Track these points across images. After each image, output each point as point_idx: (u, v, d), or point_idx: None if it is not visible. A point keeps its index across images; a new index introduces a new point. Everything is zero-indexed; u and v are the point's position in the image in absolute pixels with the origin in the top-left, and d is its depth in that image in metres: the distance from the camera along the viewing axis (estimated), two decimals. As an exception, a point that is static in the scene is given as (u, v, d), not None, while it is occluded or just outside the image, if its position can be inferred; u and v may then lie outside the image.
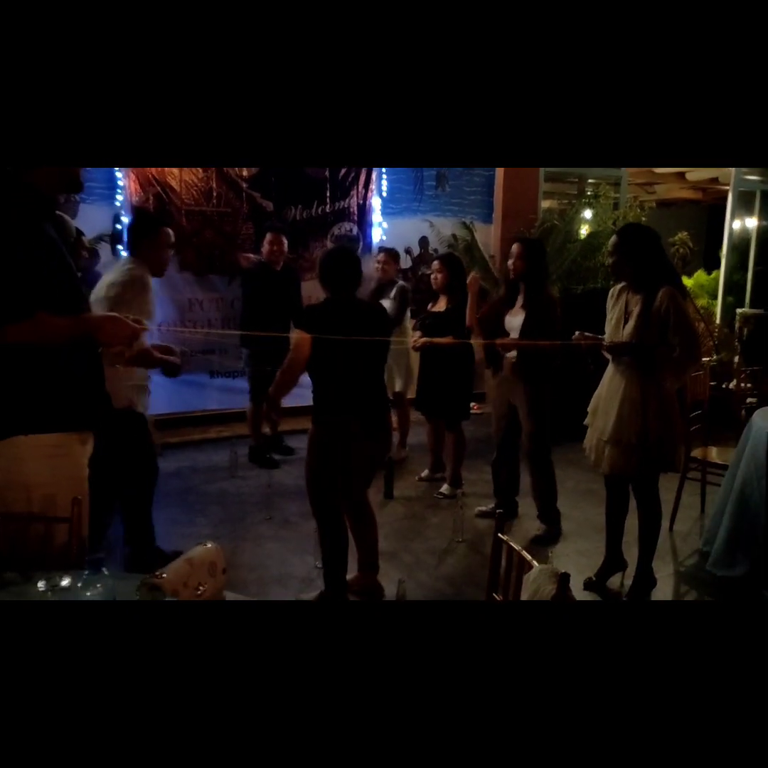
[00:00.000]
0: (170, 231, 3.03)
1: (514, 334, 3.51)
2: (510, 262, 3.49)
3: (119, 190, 4.99)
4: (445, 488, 4.20)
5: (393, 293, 4.64)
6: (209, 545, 1.57)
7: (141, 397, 2.96)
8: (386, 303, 4.66)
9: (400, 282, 4.74)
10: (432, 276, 4.09)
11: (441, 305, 4.07)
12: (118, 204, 5.04)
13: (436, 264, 4.09)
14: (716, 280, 7.97)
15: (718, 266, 8.04)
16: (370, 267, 5.87)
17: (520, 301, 3.50)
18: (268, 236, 4.55)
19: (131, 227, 3.16)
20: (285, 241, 4.58)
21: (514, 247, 3.50)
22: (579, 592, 2.97)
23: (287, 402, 3.68)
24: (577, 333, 2.91)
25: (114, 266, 3.09)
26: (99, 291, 2.82)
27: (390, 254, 4.84)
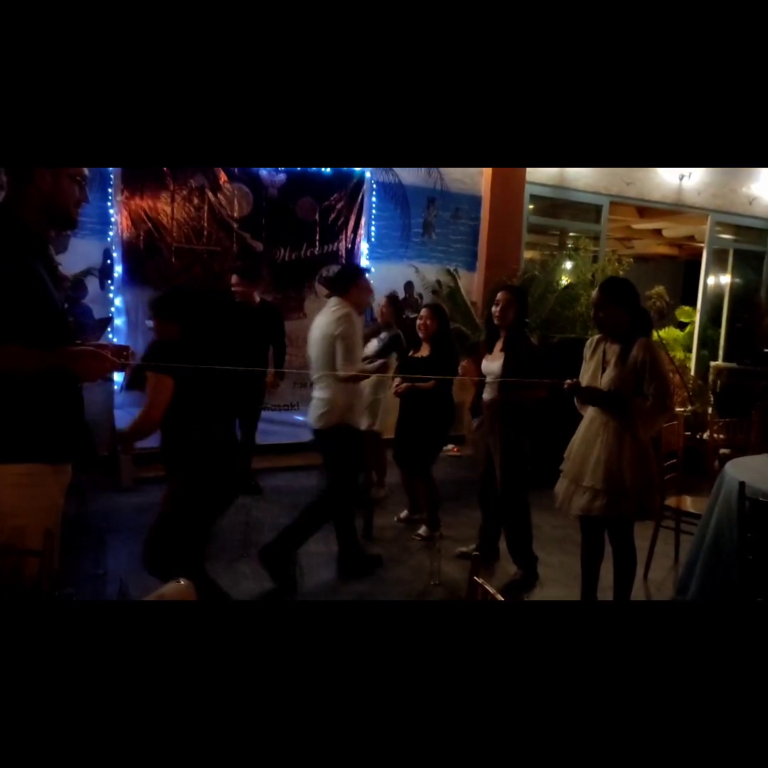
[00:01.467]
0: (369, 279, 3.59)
1: (492, 377, 3.57)
2: (496, 309, 3.51)
3: (111, 226, 5.06)
4: (422, 530, 4.19)
5: (383, 335, 4.69)
6: (182, 582, 1.54)
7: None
8: (374, 344, 4.72)
9: (396, 330, 4.74)
10: (421, 323, 4.09)
11: (423, 352, 4.12)
12: (109, 239, 5.10)
13: (425, 311, 4.10)
14: (688, 334, 8.21)
15: (683, 324, 8.32)
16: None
17: (498, 345, 3.56)
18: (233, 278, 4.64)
19: (341, 274, 3.69)
20: (247, 281, 4.69)
21: (501, 295, 3.52)
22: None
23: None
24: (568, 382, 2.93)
25: (324, 309, 3.46)
26: (323, 330, 3.30)
27: (389, 299, 4.95)
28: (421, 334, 4.11)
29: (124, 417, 5.10)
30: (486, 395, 3.63)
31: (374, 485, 4.85)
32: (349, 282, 3.46)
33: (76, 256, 4.66)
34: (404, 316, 6.23)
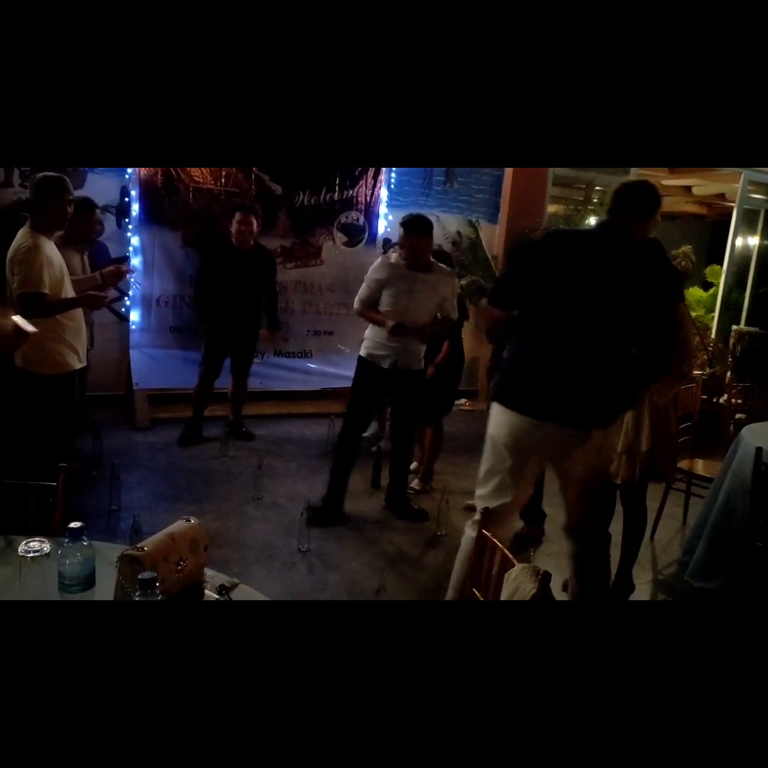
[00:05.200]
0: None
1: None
2: None
3: (128, 162, 4.97)
4: (415, 483, 4.21)
5: None
6: (192, 521, 1.55)
7: None
8: None
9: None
10: None
11: None
12: (127, 176, 5.02)
13: None
14: (712, 295, 8.04)
15: (709, 285, 8.13)
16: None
17: None
18: (237, 215, 4.51)
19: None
20: (254, 222, 4.56)
21: None
22: (557, 593, 3.00)
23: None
24: None
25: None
26: None
27: None
28: None
29: (139, 357, 5.13)
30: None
31: (384, 438, 4.89)
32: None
33: (94, 192, 4.58)
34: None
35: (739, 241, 7.88)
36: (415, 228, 3.51)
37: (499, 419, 2.33)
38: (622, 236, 2.22)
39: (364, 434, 5.17)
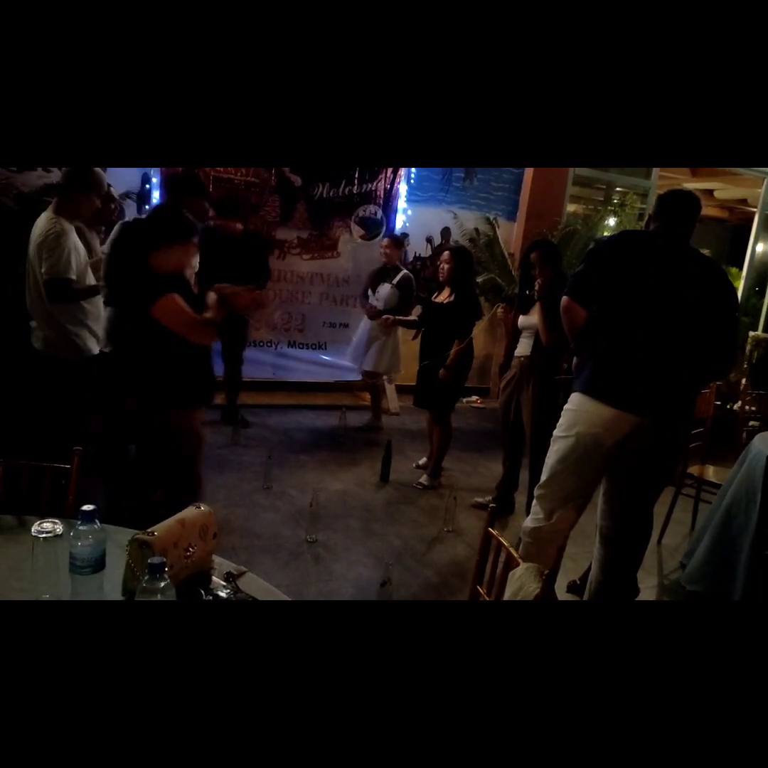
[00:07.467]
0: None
1: (528, 332, 3.54)
2: (535, 272, 3.46)
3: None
4: (423, 479, 4.22)
5: (396, 280, 4.69)
6: (202, 508, 1.57)
7: None
8: (387, 288, 4.72)
9: (404, 270, 4.78)
10: (440, 266, 4.06)
11: (443, 297, 4.07)
12: (147, 163, 5.06)
13: (445, 255, 4.05)
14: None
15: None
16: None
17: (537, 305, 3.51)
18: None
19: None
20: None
21: (534, 256, 3.47)
22: (562, 594, 3.01)
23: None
24: None
25: None
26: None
27: (394, 240, 4.94)
28: (441, 277, 4.07)
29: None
30: (520, 350, 3.60)
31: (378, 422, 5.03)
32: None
33: (116, 178, 4.61)
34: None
35: (760, 247, 7.81)
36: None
37: (588, 416, 2.33)
38: (682, 240, 2.31)
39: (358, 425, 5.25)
